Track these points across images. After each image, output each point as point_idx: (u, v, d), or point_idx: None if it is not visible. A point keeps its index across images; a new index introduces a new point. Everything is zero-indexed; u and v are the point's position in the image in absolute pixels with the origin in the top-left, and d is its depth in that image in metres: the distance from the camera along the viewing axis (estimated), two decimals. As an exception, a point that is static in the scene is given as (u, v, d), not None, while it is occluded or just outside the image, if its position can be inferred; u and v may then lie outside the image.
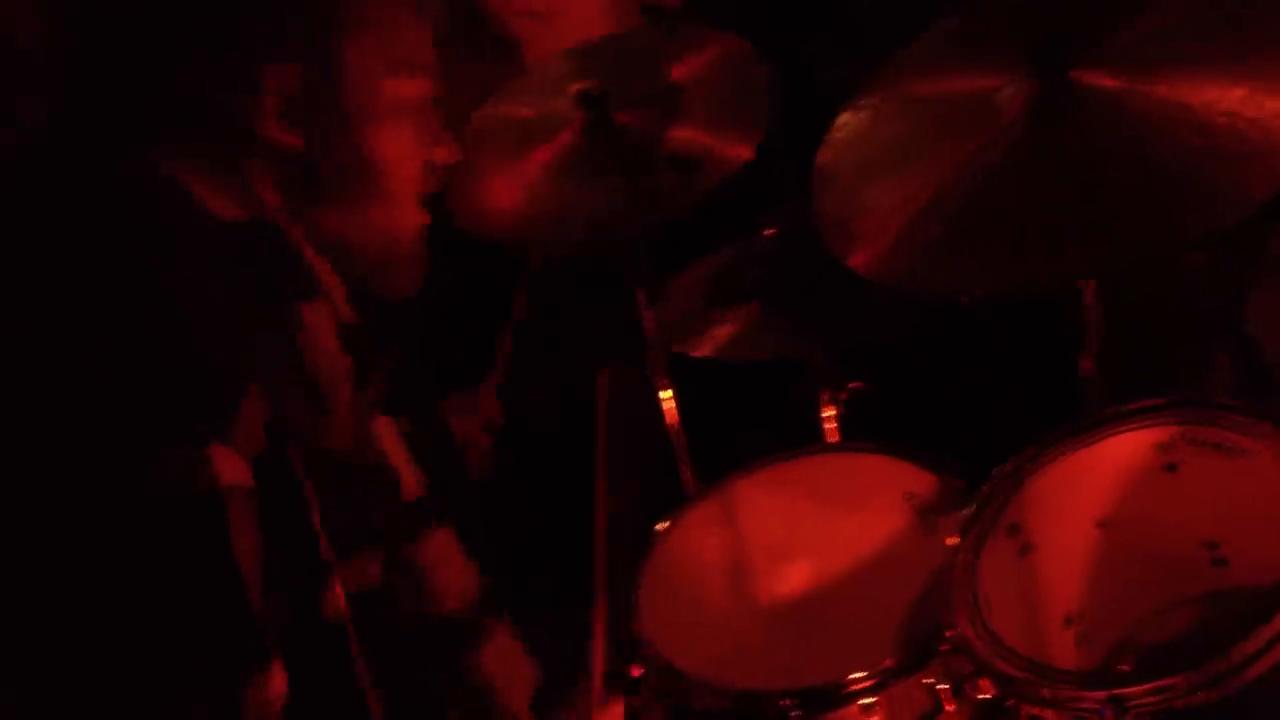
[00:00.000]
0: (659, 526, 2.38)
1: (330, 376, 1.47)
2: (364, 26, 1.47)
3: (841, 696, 1.97)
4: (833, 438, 2.76)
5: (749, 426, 2.95)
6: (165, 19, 1.41)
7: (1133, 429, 1.99)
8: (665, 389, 2.87)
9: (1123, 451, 2.00)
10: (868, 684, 1.96)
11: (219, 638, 1.31)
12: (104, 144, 1.44)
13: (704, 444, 2.77)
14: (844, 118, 2.34)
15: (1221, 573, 1.95)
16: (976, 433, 2.31)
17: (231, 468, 1.32)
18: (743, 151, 2.54)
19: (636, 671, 2.20)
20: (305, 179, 1.49)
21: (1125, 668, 1.90)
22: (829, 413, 2.74)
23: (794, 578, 2.29)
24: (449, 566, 1.63)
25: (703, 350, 2.70)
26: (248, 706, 1.30)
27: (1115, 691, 1.63)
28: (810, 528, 2.34)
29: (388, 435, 1.57)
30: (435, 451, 1.61)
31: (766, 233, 2.79)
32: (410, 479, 1.60)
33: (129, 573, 1.29)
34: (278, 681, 1.33)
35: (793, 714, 1.96)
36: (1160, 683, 1.61)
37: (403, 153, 1.56)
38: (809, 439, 2.66)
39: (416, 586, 1.60)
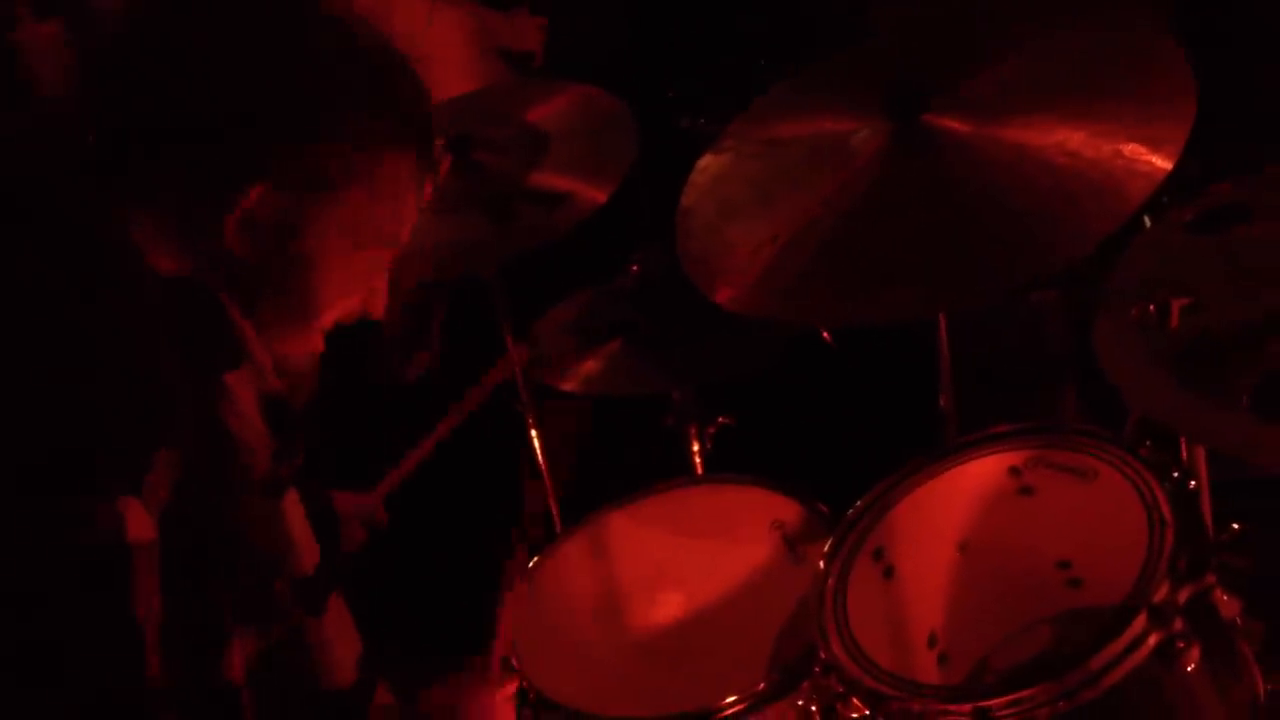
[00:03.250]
0: (530, 563, 2.41)
1: (249, 447, 1.45)
2: (362, 185, 1.47)
3: (715, 721, 2.01)
4: (701, 470, 2.82)
5: (618, 460, 2.99)
6: (185, 90, 1.40)
7: (989, 454, 2.07)
8: (533, 427, 2.92)
9: (979, 476, 2.08)
10: (740, 708, 2.00)
11: (113, 699, 1.29)
12: (50, 185, 1.42)
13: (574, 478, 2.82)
14: (705, 160, 2.41)
15: (1075, 592, 2.02)
16: (840, 463, 2.37)
17: (139, 522, 1.29)
18: (600, 195, 2.61)
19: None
20: (240, 282, 1.48)
21: (987, 683, 1.96)
22: (696, 445, 2.80)
23: (666, 607, 2.33)
24: (341, 637, 1.63)
25: (570, 386, 2.74)
26: None
27: (980, 704, 1.69)
28: (680, 558, 2.38)
29: (293, 510, 1.56)
30: (319, 518, 1.61)
31: (631, 269, 2.84)
32: (310, 552, 1.58)
33: (17, 625, 1.26)
34: None
35: (669, 740, 2.00)
36: (1021, 694, 1.68)
37: (333, 303, 1.57)
38: (677, 472, 2.71)
39: (310, 659, 1.59)
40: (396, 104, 1.51)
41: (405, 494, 2.63)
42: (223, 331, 1.46)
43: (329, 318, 1.57)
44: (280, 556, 1.53)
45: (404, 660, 1.85)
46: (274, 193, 1.42)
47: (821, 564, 2.00)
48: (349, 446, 2.62)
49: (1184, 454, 1.96)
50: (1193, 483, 1.86)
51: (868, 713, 1.84)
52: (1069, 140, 1.96)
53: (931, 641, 2.04)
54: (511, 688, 2.03)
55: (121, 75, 1.44)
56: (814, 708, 1.99)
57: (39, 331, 1.35)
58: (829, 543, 2.03)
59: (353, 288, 1.57)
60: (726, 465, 2.70)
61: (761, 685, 2.01)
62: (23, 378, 1.32)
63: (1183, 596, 1.71)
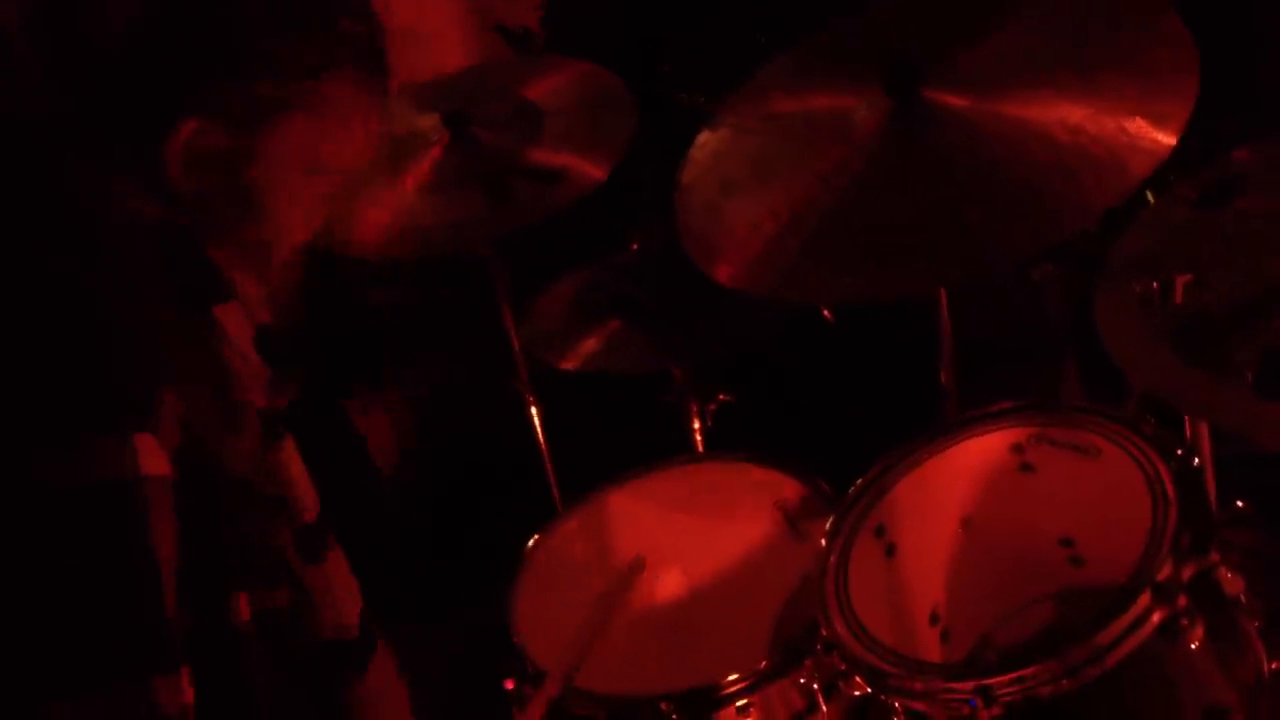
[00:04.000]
0: (531, 540, 2.41)
1: (244, 381, 1.45)
2: (303, 113, 1.45)
3: (717, 699, 2.01)
4: (701, 448, 2.81)
5: (617, 438, 2.98)
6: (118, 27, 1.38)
7: (990, 431, 2.06)
8: (533, 403, 2.92)
9: (981, 453, 2.07)
10: (742, 685, 2.01)
11: (130, 633, 1.28)
12: (33, 140, 1.41)
13: (574, 456, 2.82)
14: (704, 136, 2.40)
15: (1077, 569, 2.03)
16: (841, 440, 2.37)
17: (153, 457, 1.30)
18: (598, 171, 2.60)
19: (509, 684, 2.22)
20: (205, 218, 1.47)
21: (990, 660, 1.96)
22: (697, 423, 2.79)
23: (667, 586, 2.32)
24: (342, 589, 1.63)
25: (569, 364, 2.74)
26: (153, 711, 1.28)
27: (983, 682, 1.69)
28: (681, 536, 2.37)
29: (292, 458, 1.56)
30: (338, 457, 1.60)
31: (631, 247, 2.83)
32: (310, 500, 1.58)
33: (40, 561, 1.26)
34: (185, 689, 1.31)
35: (671, 718, 2.00)
36: (1024, 672, 1.68)
37: (293, 232, 1.56)
38: (678, 449, 2.71)
39: (311, 610, 1.59)
40: (332, 26, 1.46)
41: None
42: (206, 268, 1.46)
43: (285, 248, 1.56)
44: (283, 502, 1.54)
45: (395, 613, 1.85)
46: (210, 126, 1.40)
47: (823, 542, 2.00)
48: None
49: (1187, 431, 1.95)
50: (1196, 460, 1.86)
51: (870, 691, 1.84)
52: (1070, 115, 1.96)
53: (933, 619, 2.04)
54: None
55: (42, 21, 1.41)
56: (816, 685, 1.99)
57: (42, 283, 1.35)
58: (830, 520, 2.03)
59: (308, 217, 1.56)
60: (727, 442, 2.70)
61: (763, 663, 2.02)
62: (33, 329, 1.32)
63: (1186, 574, 1.71)
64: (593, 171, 2.62)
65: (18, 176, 1.40)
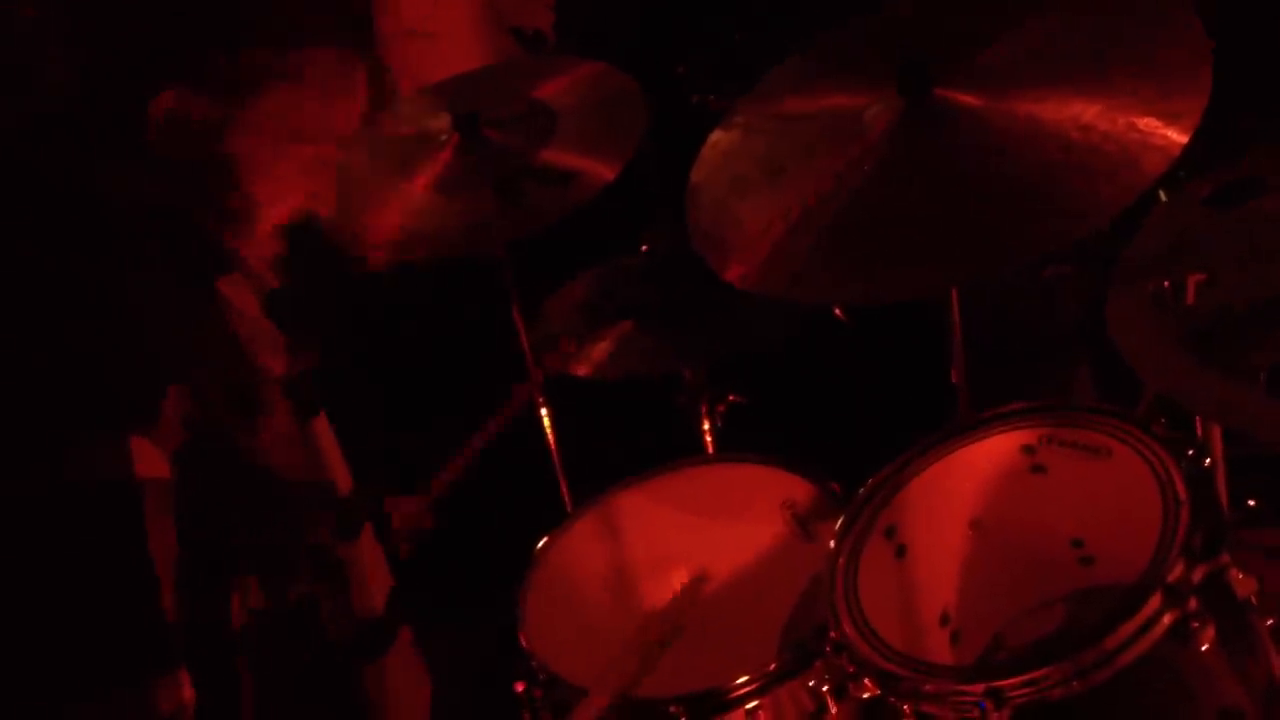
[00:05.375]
0: (541, 542, 2.40)
1: (260, 351, 1.45)
2: (285, 82, 1.45)
3: (727, 701, 2.01)
4: (711, 449, 2.81)
5: (627, 439, 2.98)
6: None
7: (1001, 432, 2.05)
8: (543, 407, 2.91)
9: (992, 454, 2.06)
10: (752, 688, 2.00)
11: (125, 636, 1.29)
12: (51, 134, 1.41)
13: (584, 458, 2.81)
14: (716, 136, 2.39)
15: (1088, 570, 2.01)
16: (851, 440, 2.36)
17: (149, 460, 1.30)
18: (609, 172, 2.59)
19: (519, 687, 2.22)
20: (193, 188, 1.47)
21: (1000, 662, 1.95)
22: (707, 424, 2.79)
23: (676, 587, 2.32)
24: (373, 566, 1.63)
25: (580, 369, 2.73)
26: (150, 710, 1.28)
27: (993, 684, 1.69)
28: (692, 537, 2.37)
29: (324, 434, 1.56)
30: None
31: (641, 248, 2.83)
32: (343, 475, 1.59)
33: (36, 561, 1.26)
34: (184, 688, 1.31)
35: (681, 719, 2.00)
36: (1035, 674, 1.67)
37: (274, 200, 1.55)
38: (688, 451, 2.70)
39: (340, 590, 1.59)
40: (321, 4, 1.47)
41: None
42: (205, 242, 1.45)
43: (272, 216, 1.55)
44: (313, 480, 1.54)
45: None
46: (191, 94, 1.40)
47: (833, 543, 2.00)
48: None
49: (1199, 431, 1.94)
50: (1208, 460, 1.84)
51: (879, 693, 1.83)
52: (1083, 114, 1.94)
53: (944, 620, 2.03)
54: None
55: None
56: (825, 687, 1.98)
57: (44, 284, 1.34)
58: (840, 521, 2.03)
59: (292, 185, 1.55)
60: (738, 444, 2.69)
61: (773, 665, 2.02)
62: (33, 327, 1.32)
63: (1198, 575, 1.70)
64: (603, 172, 2.62)
65: (35, 174, 1.41)
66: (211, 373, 1.38)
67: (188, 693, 1.32)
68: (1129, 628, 1.67)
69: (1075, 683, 1.66)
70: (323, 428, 1.55)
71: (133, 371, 1.33)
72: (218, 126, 1.43)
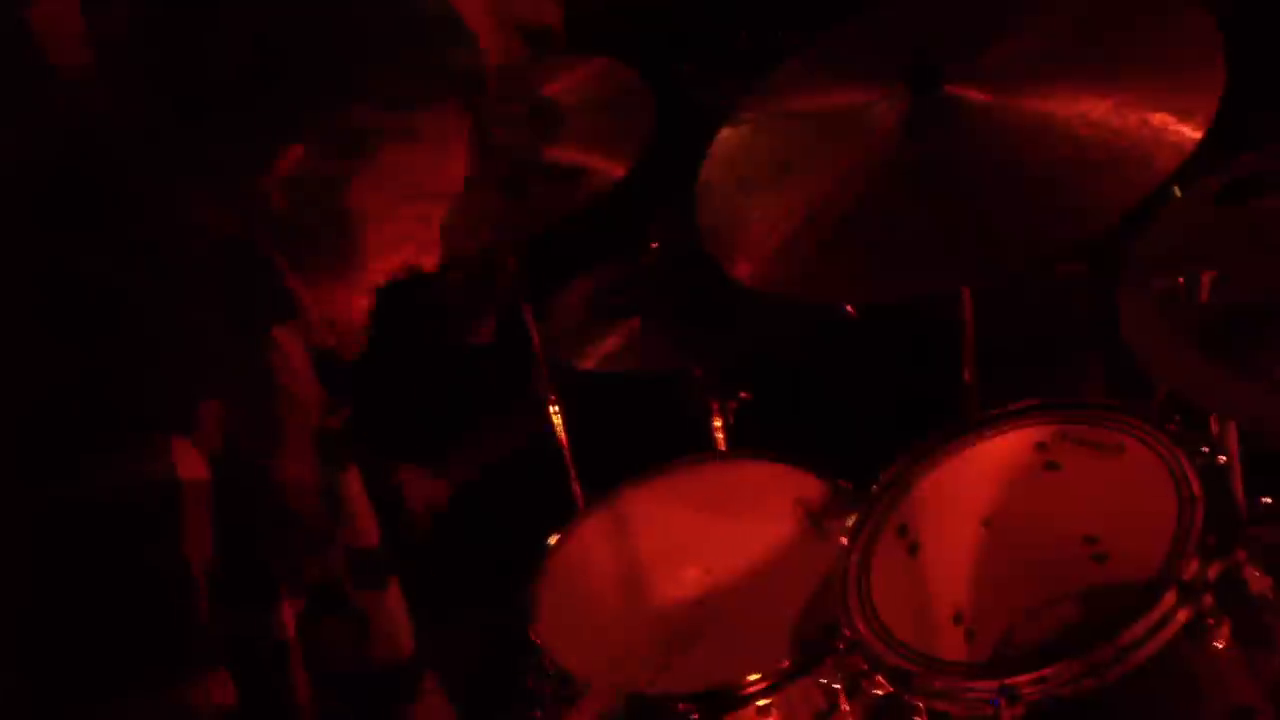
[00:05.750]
0: (551, 539, 2.40)
1: (301, 400, 1.46)
2: (403, 141, 1.46)
3: (738, 698, 2.00)
4: (722, 446, 2.81)
5: (639, 437, 2.98)
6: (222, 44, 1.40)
7: (1014, 429, 2.05)
8: (553, 403, 2.91)
9: (1005, 451, 2.06)
10: (763, 685, 1.99)
11: (163, 634, 1.29)
12: (109, 145, 1.42)
13: (595, 455, 2.81)
14: (724, 133, 2.39)
15: (1101, 568, 2.01)
16: (863, 438, 2.35)
17: (190, 460, 1.30)
18: (618, 169, 2.59)
19: (530, 682, 2.22)
20: (286, 240, 1.48)
21: (1013, 659, 1.94)
22: (718, 422, 2.79)
23: (688, 584, 2.31)
24: (394, 619, 1.63)
25: (588, 364, 2.73)
26: (186, 712, 1.28)
27: (1006, 681, 1.68)
28: (703, 535, 2.36)
29: (354, 484, 1.57)
30: (382, 503, 1.61)
31: (651, 246, 2.82)
32: (371, 528, 1.59)
33: (72, 560, 1.26)
34: (222, 691, 1.31)
35: (692, 717, 1.99)
36: (1048, 671, 1.66)
37: (381, 257, 1.56)
38: (699, 448, 2.70)
39: (360, 634, 1.59)
40: (433, 58, 1.49)
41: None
42: (271, 288, 1.46)
43: (378, 272, 1.57)
44: (336, 526, 1.53)
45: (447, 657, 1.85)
46: (312, 153, 1.42)
47: (845, 541, 1.99)
48: (411, 413, 2.61)
49: (1214, 428, 1.94)
50: (1222, 457, 1.84)
51: (892, 690, 1.83)
52: (1093, 110, 1.94)
53: (957, 618, 2.03)
54: None
55: (151, 41, 1.43)
56: (838, 685, 1.98)
57: (92, 289, 1.35)
58: (853, 519, 2.02)
59: (400, 242, 1.56)
60: (748, 441, 2.69)
61: (785, 662, 2.01)
62: (72, 328, 1.32)
63: (1213, 573, 1.69)
64: (612, 169, 2.62)
65: (89, 180, 1.41)
66: (245, 400, 1.38)
67: (227, 694, 1.32)
68: (1143, 625, 1.66)
69: (1088, 680, 1.65)
70: (353, 479, 1.55)
71: (172, 377, 1.33)
72: (336, 185, 1.45)
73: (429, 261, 1.60)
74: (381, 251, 1.54)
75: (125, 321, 1.34)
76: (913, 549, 2.03)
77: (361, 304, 1.58)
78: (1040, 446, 2.03)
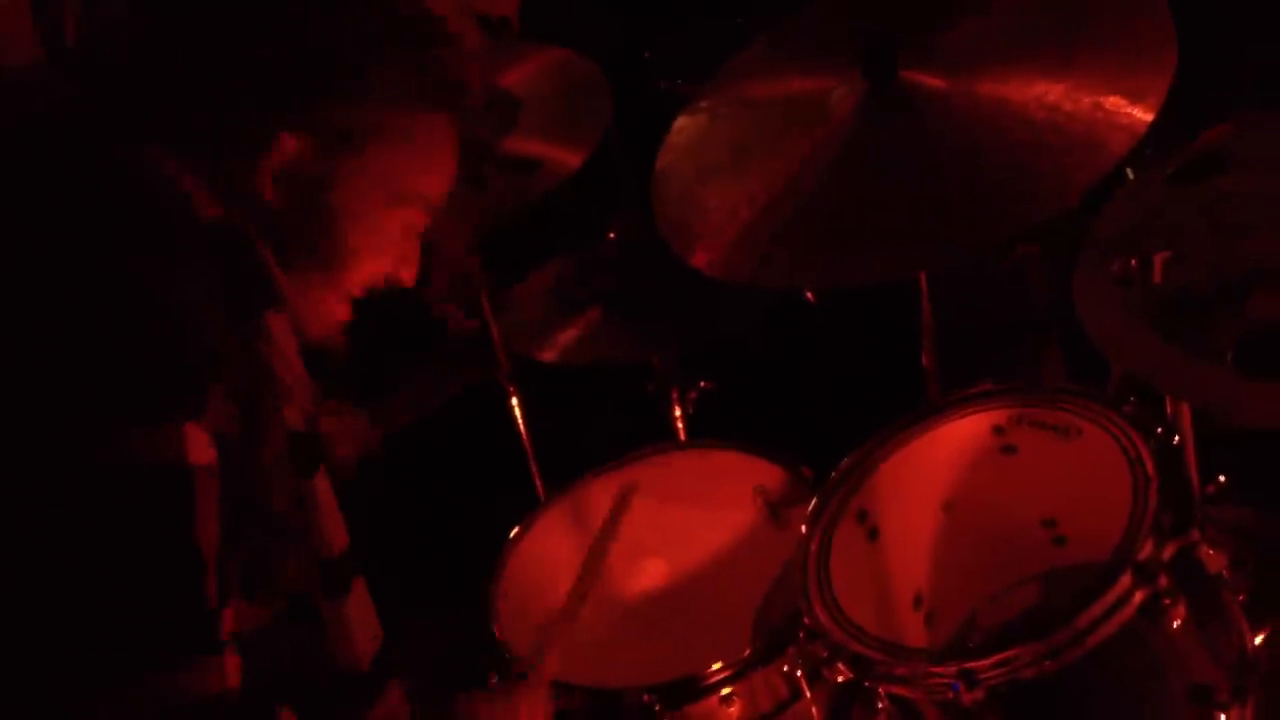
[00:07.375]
0: (513, 532, 2.39)
1: (289, 387, 1.46)
2: (393, 142, 1.47)
3: (701, 688, 2.00)
4: (682, 436, 2.80)
5: (599, 427, 2.98)
6: (217, 39, 1.42)
7: (972, 413, 2.05)
8: (514, 395, 2.90)
9: (963, 435, 2.06)
10: (726, 674, 1.99)
11: (174, 619, 1.29)
12: (105, 128, 1.42)
13: (555, 446, 2.80)
14: (681, 121, 2.39)
15: (1061, 550, 2.02)
16: (822, 425, 2.36)
17: (200, 445, 1.30)
18: (574, 160, 2.58)
19: (493, 679, 2.21)
20: (275, 230, 1.48)
21: (973, 643, 1.95)
22: (678, 411, 2.78)
23: (649, 575, 2.31)
24: (359, 625, 1.63)
25: (548, 355, 2.72)
26: (195, 694, 1.28)
27: (965, 665, 1.68)
28: (663, 524, 2.36)
29: (323, 489, 1.56)
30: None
31: (608, 235, 2.81)
32: (337, 534, 1.58)
33: (82, 543, 1.26)
34: (229, 674, 1.31)
35: (655, 708, 1.99)
36: (1006, 654, 1.67)
37: (363, 260, 1.56)
38: (659, 437, 2.69)
39: (327, 639, 1.59)
40: (431, 65, 1.51)
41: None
42: (261, 275, 1.46)
43: (358, 277, 1.57)
44: (302, 531, 1.53)
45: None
46: (306, 146, 1.42)
47: (805, 527, 1.99)
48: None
49: (1168, 409, 1.94)
50: (1177, 438, 1.84)
51: (853, 677, 1.83)
52: (1048, 94, 1.94)
53: (917, 602, 2.03)
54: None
55: (156, 29, 1.45)
56: (800, 673, 1.97)
57: (99, 275, 1.34)
58: (812, 506, 2.02)
59: (383, 247, 1.57)
60: (708, 430, 2.68)
61: (747, 651, 2.01)
62: (83, 313, 1.32)
63: (1168, 553, 1.70)
64: (569, 159, 2.61)
65: (104, 168, 1.41)
66: (238, 388, 1.38)
67: (233, 678, 1.32)
68: (1100, 607, 1.66)
69: (1048, 662, 1.66)
70: (322, 485, 1.55)
71: (185, 361, 1.33)
72: (325, 181, 1.46)
73: (407, 276, 1.61)
74: (361, 256, 1.55)
75: (134, 306, 1.33)
76: (872, 534, 2.03)
77: (339, 311, 1.59)
78: (998, 430, 2.04)
